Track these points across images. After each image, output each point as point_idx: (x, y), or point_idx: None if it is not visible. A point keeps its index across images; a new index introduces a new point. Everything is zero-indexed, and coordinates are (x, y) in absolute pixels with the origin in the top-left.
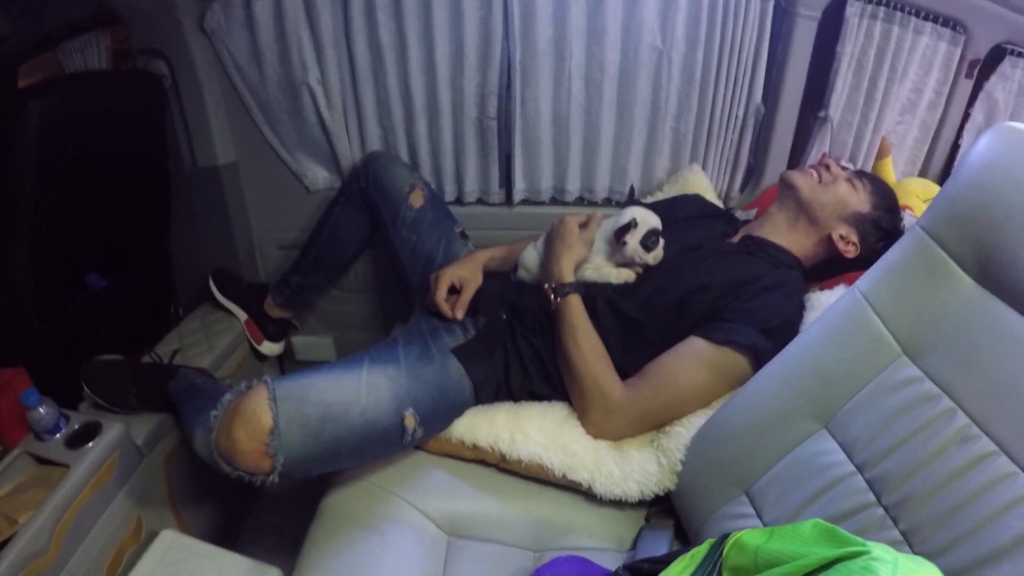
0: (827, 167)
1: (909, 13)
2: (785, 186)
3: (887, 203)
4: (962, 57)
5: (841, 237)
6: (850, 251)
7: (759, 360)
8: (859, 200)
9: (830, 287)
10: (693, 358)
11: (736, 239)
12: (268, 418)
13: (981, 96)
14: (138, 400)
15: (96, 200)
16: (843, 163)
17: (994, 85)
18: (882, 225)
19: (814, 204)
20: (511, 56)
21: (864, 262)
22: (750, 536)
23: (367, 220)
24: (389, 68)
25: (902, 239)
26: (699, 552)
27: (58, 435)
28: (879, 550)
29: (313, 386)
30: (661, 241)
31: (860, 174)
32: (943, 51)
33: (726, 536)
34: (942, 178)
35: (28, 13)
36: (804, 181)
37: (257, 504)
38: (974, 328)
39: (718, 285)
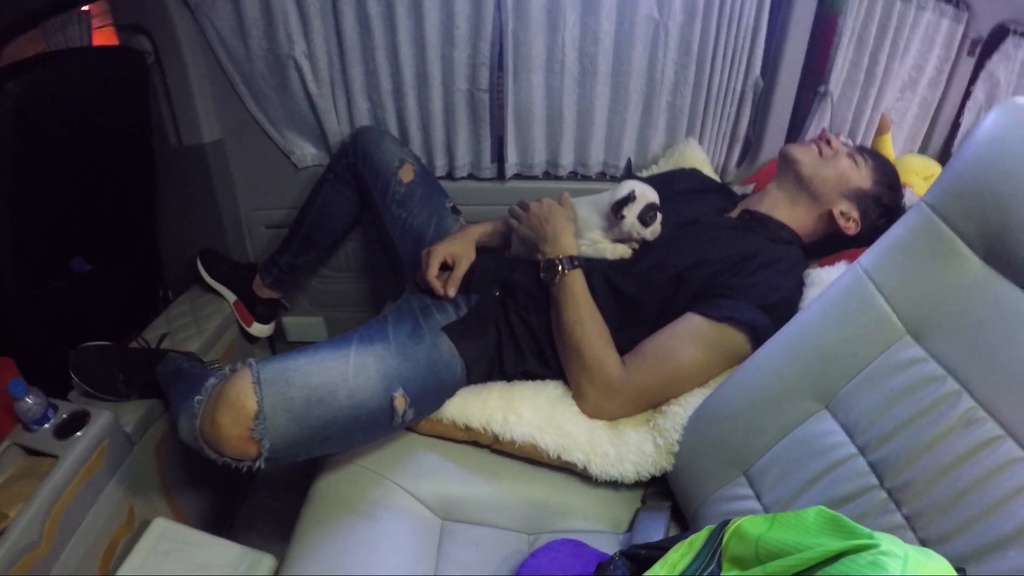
0: (828, 142)
1: None
2: (786, 160)
3: (889, 179)
4: (964, 35)
5: (842, 213)
6: (851, 228)
7: (758, 338)
8: (861, 176)
9: (830, 263)
10: (691, 335)
11: (734, 214)
12: (252, 402)
13: (983, 75)
14: (126, 387)
15: (79, 182)
16: (843, 139)
17: (996, 64)
18: (884, 202)
19: (815, 179)
20: (503, 26)
21: (864, 239)
22: (751, 524)
23: (356, 197)
24: (377, 40)
25: (906, 216)
26: (698, 539)
27: (47, 425)
28: (887, 543)
29: (298, 368)
30: (659, 216)
31: (861, 150)
32: (945, 28)
33: (726, 523)
34: (942, 156)
35: None
36: (805, 155)
37: (252, 488)
38: (980, 308)
39: (715, 261)
